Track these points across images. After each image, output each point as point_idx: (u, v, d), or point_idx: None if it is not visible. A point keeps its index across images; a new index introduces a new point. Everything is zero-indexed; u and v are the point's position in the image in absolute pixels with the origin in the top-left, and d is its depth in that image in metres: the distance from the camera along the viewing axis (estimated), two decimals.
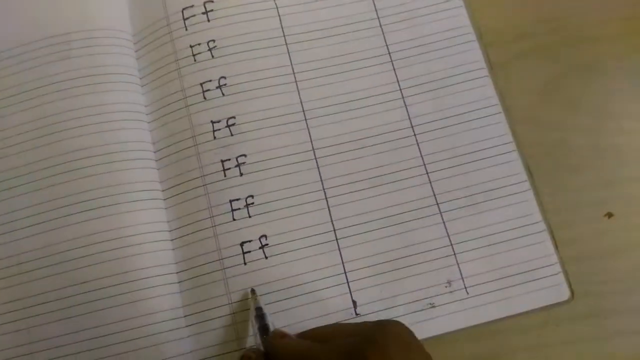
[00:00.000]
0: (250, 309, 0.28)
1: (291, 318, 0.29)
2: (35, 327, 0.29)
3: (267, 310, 0.28)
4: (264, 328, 0.26)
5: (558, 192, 0.32)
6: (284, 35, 0.33)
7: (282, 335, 0.26)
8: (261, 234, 0.30)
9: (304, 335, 0.27)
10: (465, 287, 0.30)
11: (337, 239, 0.30)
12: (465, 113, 0.32)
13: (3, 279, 0.30)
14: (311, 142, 0.32)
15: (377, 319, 0.25)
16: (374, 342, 0.22)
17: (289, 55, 0.33)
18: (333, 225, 0.30)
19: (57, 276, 0.29)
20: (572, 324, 0.30)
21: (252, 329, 0.27)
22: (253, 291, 0.29)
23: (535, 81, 0.34)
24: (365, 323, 0.25)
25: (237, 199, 0.31)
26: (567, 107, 0.33)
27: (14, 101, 0.32)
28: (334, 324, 0.29)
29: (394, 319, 0.26)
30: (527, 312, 0.29)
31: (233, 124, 0.32)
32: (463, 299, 0.30)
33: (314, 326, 0.28)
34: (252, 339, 0.28)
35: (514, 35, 0.34)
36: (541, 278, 0.30)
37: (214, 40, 0.33)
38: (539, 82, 0.34)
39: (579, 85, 0.33)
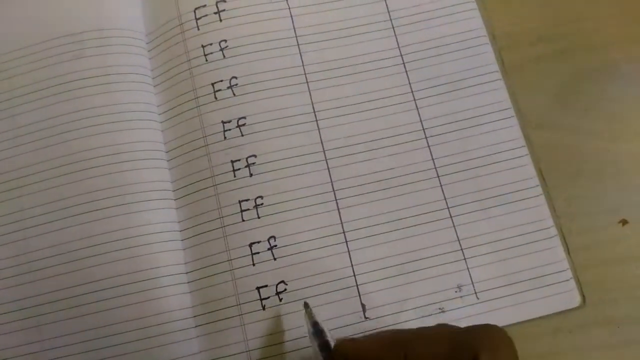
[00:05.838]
0: (306, 325, 0.26)
1: (298, 321, 0.28)
2: (44, 325, 0.29)
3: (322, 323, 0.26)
4: (325, 345, 0.24)
5: (571, 197, 0.31)
6: (296, 36, 0.33)
7: (351, 339, 0.24)
8: (270, 235, 0.30)
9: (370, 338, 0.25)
10: (476, 292, 0.29)
11: (346, 242, 0.30)
12: (477, 117, 0.32)
13: (13, 277, 0.30)
14: (322, 143, 0.32)
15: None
16: (479, 332, 0.21)
17: (301, 56, 0.33)
18: (343, 227, 0.30)
19: (67, 275, 0.29)
20: (584, 331, 0.29)
21: (311, 345, 0.25)
22: (307, 305, 0.27)
23: (550, 85, 0.33)
24: (454, 328, 0.23)
25: (247, 200, 0.30)
26: (581, 111, 0.33)
27: (26, 100, 0.32)
28: (409, 330, 0.25)
29: (405, 322, 0.26)
30: (538, 319, 0.29)
31: (244, 124, 0.32)
32: (473, 304, 0.29)
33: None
34: (260, 341, 0.29)
35: (528, 39, 0.34)
36: (552, 284, 0.29)
37: (225, 41, 0.33)
38: (554, 86, 0.33)
39: (594, 90, 0.33)
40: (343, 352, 0.23)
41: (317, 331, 0.25)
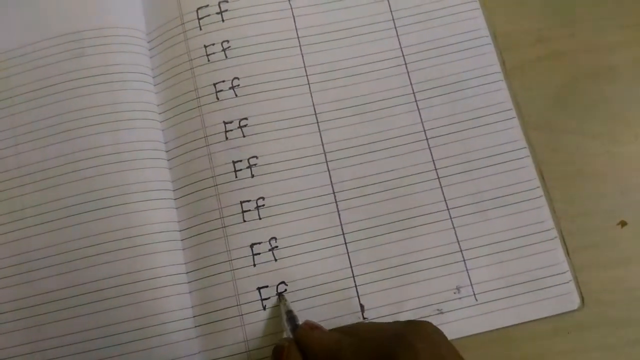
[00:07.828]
0: (281, 313, 0.28)
1: (299, 320, 0.29)
2: (44, 324, 0.29)
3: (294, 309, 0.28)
4: (296, 329, 0.27)
5: (571, 199, 0.31)
6: (298, 37, 0.33)
7: (313, 327, 0.26)
8: (271, 236, 0.30)
9: (334, 330, 0.27)
10: (474, 294, 0.30)
11: (346, 243, 0.30)
12: (478, 117, 0.32)
13: (13, 277, 0.30)
14: (322, 144, 0.32)
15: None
16: (403, 338, 0.22)
17: (303, 57, 0.33)
18: (342, 228, 0.30)
19: (67, 274, 0.29)
20: (583, 332, 0.29)
21: (285, 331, 0.28)
22: (282, 295, 0.29)
23: (551, 86, 0.33)
24: (396, 322, 0.25)
25: (248, 201, 0.31)
26: (582, 113, 0.33)
27: (26, 99, 0.32)
28: (364, 322, 0.29)
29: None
30: (537, 320, 0.29)
31: (245, 125, 0.32)
32: (472, 306, 0.29)
33: None
34: (261, 341, 0.29)
35: (530, 40, 0.34)
36: (551, 286, 0.30)
37: (228, 41, 0.33)
38: (555, 88, 0.33)
39: (595, 92, 0.33)
40: (303, 333, 0.26)
41: (291, 317, 0.28)
